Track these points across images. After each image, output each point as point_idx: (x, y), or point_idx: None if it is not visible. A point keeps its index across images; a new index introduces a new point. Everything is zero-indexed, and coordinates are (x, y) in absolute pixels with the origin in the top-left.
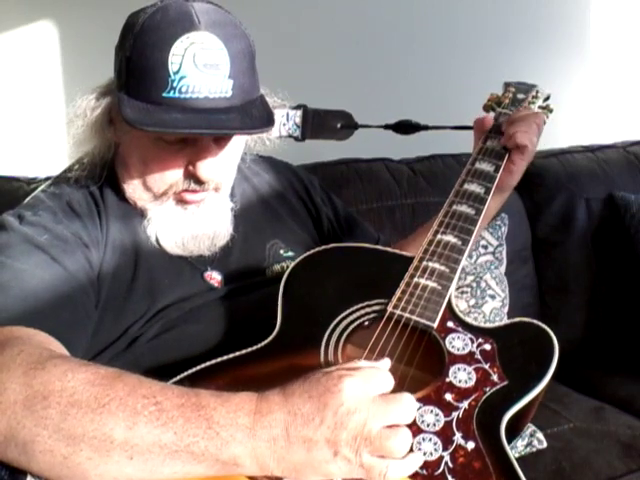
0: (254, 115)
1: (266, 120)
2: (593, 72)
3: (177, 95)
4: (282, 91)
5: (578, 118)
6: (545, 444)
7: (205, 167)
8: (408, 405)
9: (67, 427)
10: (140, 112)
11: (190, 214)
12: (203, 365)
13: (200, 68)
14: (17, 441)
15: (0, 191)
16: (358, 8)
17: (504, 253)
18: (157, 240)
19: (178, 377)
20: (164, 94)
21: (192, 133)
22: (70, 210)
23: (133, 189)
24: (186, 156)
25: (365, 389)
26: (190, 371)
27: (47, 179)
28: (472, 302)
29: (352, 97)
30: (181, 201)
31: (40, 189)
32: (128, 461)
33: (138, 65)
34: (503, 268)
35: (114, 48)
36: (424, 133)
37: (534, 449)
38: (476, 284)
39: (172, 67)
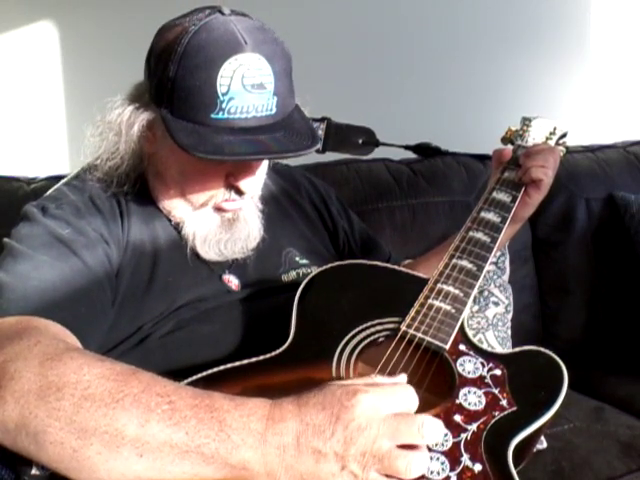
0: (298, 130)
1: (311, 136)
2: (593, 72)
3: (226, 116)
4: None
5: (578, 118)
6: (545, 444)
7: (248, 181)
8: (424, 427)
9: (79, 420)
10: (191, 135)
11: (226, 221)
12: (216, 369)
13: (248, 89)
14: (28, 430)
15: (0, 191)
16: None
17: (507, 262)
18: (194, 247)
19: (191, 379)
20: (212, 115)
21: (253, 159)
22: (92, 205)
23: (169, 200)
24: (226, 168)
25: (378, 406)
26: (203, 374)
27: (47, 179)
28: (475, 308)
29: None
30: (219, 209)
31: (63, 182)
32: (137, 458)
33: (184, 86)
34: (506, 277)
35: (145, 60)
36: (423, 131)
37: (534, 449)
38: (479, 293)
39: (221, 89)
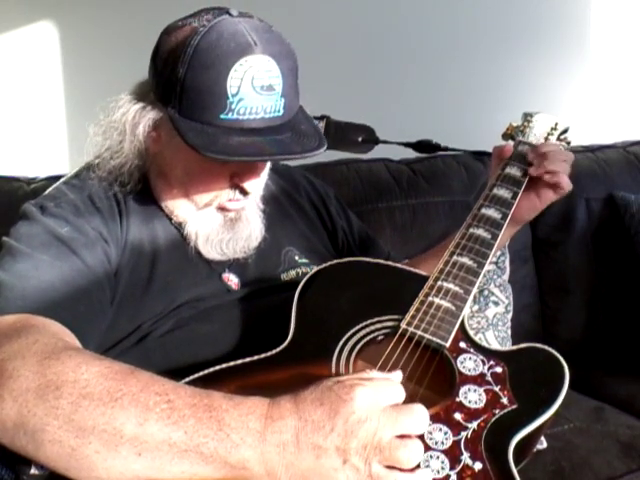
0: (305, 132)
1: (318, 138)
2: (593, 72)
3: (235, 117)
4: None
5: (578, 118)
6: (545, 444)
7: (253, 182)
8: (419, 416)
9: (78, 418)
10: (200, 135)
11: (229, 220)
12: (215, 368)
13: (257, 90)
14: (26, 429)
15: (0, 191)
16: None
17: (507, 262)
18: (196, 247)
19: (190, 378)
20: (222, 116)
21: (264, 160)
22: (91, 204)
23: (172, 199)
24: (231, 169)
25: (376, 399)
26: (202, 373)
27: (47, 179)
28: (475, 308)
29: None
30: (222, 209)
31: (62, 181)
32: (136, 457)
33: (193, 86)
34: (506, 276)
35: (150, 60)
36: (423, 131)
37: (535, 448)
38: (479, 293)
39: (231, 90)
